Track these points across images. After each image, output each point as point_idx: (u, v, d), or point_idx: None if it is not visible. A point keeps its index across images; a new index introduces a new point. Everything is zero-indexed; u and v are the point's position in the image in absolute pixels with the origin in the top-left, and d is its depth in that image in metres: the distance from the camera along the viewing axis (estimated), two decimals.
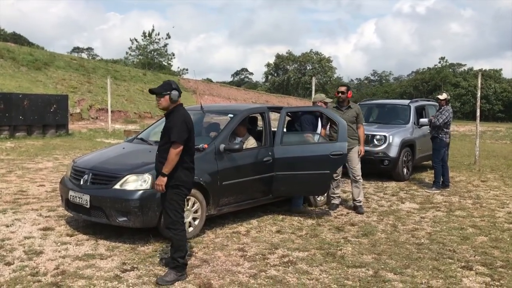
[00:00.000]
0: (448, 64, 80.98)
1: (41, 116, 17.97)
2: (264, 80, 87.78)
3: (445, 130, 9.24)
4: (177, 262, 4.45)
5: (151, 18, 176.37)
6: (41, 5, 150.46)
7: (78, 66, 32.80)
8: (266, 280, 4.52)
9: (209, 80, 64.17)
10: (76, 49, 73.86)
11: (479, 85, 13.83)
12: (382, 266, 4.95)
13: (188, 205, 5.64)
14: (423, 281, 4.57)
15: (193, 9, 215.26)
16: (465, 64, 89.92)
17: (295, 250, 5.42)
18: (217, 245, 5.51)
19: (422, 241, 5.89)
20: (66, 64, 32.01)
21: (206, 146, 6.01)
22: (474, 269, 4.94)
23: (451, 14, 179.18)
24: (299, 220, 6.75)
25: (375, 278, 4.61)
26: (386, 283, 4.50)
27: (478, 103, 13.66)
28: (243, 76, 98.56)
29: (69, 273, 4.55)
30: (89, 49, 77.40)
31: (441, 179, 9.41)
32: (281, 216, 6.91)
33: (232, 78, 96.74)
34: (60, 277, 4.44)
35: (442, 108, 9.29)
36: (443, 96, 9.43)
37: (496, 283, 4.58)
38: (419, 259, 5.19)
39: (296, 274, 4.69)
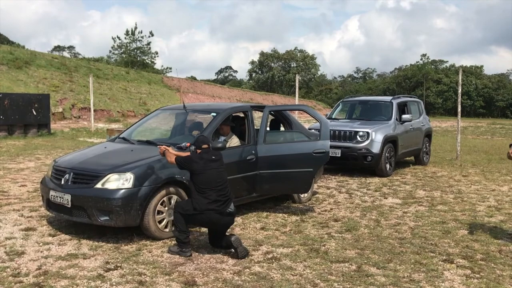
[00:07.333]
0: (430, 60, 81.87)
1: (22, 116, 17.72)
2: (248, 78, 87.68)
3: None
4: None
5: (132, 15, 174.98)
6: (19, 2, 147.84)
7: (60, 65, 32.39)
8: (250, 276, 4.54)
9: (193, 78, 63.91)
10: (57, 48, 72.86)
11: (460, 81, 14.05)
12: (365, 261, 5.00)
13: (171, 203, 5.63)
14: (405, 275, 4.63)
15: (175, 4, 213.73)
16: (447, 61, 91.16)
17: (279, 246, 5.44)
18: (201, 243, 5.51)
19: (405, 235, 5.96)
20: (48, 63, 31.58)
21: (189, 144, 5.99)
22: (455, 262, 5.02)
23: (436, 9, 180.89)
24: (283, 217, 6.78)
25: (358, 273, 4.66)
26: (369, 278, 4.54)
27: (459, 99, 13.85)
28: (227, 74, 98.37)
29: (52, 273, 4.51)
30: (71, 47, 76.42)
31: None
32: (265, 213, 6.93)
33: (216, 76, 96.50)
34: (42, 277, 4.40)
35: None
36: None
37: (476, 275, 4.67)
38: (401, 253, 5.26)
39: (280, 270, 4.71)
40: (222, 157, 5.34)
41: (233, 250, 5.06)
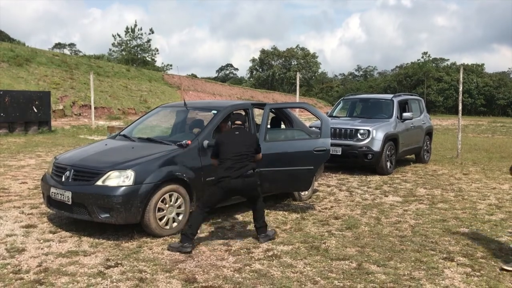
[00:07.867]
0: (431, 59, 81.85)
1: (23, 113, 17.71)
2: (249, 75, 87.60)
3: None
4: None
5: (133, 13, 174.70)
6: (19, 0, 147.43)
7: (61, 62, 32.36)
8: (251, 274, 4.54)
9: (194, 76, 63.90)
10: (58, 45, 72.77)
11: (461, 79, 14.01)
12: (366, 259, 5.00)
13: (171, 200, 5.63)
14: (406, 273, 4.63)
15: (175, 3, 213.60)
16: (448, 59, 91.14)
17: (280, 244, 5.45)
18: (202, 240, 5.51)
19: (405, 233, 5.96)
20: (48, 60, 31.56)
21: (189, 142, 6.00)
22: (455, 260, 5.02)
23: (437, 7, 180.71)
24: (283, 215, 6.78)
25: (359, 271, 4.66)
26: (369, 275, 4.55)
27: (460, 97, 13.83)
28: (228, 72, 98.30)
29: (52, 270, 4.51)
30: (72, 45, 76.31)
31: None
32: (265, 211, 6.91)
33: (217, 73, 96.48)
34: (43, 274, 4.41)
35: None
36: None
37: (477, 273, 4.67)
38: (402, 251, 5.26)
39: (281, 267, 4.71)
40: (248, 135, 5.74)
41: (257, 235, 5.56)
